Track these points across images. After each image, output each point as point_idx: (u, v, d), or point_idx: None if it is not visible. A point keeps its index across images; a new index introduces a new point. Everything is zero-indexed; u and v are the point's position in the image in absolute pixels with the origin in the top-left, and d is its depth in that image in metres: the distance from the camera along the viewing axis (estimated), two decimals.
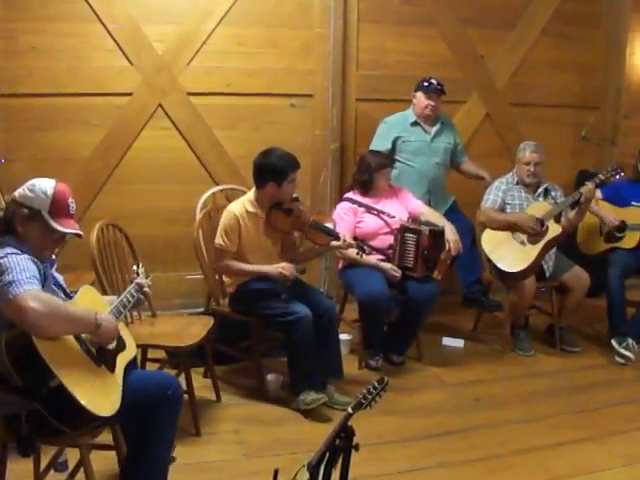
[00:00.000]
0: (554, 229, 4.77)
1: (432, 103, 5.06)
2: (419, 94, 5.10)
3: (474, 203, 5.09)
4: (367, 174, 4.65)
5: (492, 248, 4.86)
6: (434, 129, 5.17)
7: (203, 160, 5.39)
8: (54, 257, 2.80)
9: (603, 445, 3.68)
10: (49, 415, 2.34)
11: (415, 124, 5.16)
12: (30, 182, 2.63)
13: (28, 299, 2.32)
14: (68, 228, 2.65)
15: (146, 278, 3.12)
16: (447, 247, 4.49)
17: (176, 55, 5.21)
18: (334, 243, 4.22)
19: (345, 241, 4.20)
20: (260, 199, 4.15)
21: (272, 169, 4.06)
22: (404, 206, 4.72)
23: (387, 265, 4.47)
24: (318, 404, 3.87)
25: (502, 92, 6.09)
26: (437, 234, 4.52)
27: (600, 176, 4.78)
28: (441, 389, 4.42)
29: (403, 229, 4.51)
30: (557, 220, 4.83)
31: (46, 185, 2.62)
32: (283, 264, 4.07)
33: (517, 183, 4.95)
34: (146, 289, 3.05)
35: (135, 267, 3.18)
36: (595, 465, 3.46)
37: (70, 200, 2.68)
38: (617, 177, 4.78)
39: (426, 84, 5.06)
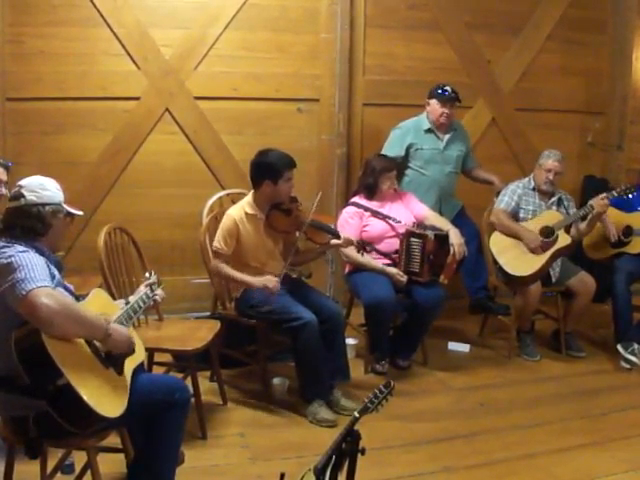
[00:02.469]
0: (564, 239, 4.76)
1: (447, 111, 5.00)
2: (434, 102, 5.03)
3: (482, 208, 5.11)
4: (372, 177, 4.65)
5: (500, 250, 4.86)
6: (447, 137, 5.12)
7: (210, 164, 5.41)
8: (60, 259, 2.82)
9: (607, 450, 3.67)
10: (55, 414, 2.36)
11: (429, 131, 5.11)
12: (34, 184, 2.70)
13: (41, 295, 2.35)
14: (76, 209, 2.83)
15: (158, 286, 3.14)
16: (451, 251, 4.50)
17: (183, 60, 5.23)
18: (334, 241, 4.23)
19: (345, 239, 4.22)
20: (258, 200, 4.17)
21: (268, 167, 4.09)
22: (409, 210, 4.73)
23: (393, 270, 4.47)
24: (326, 425, 3.85)
25: (508, 97, 6.10)
26: (442, 238, 4.52)
27: (613, 192, 4.76)
28: (446, 394, 4.42)
29: (408, 234, 4.51)
30: (567, 230, 4.83)
31: (50, 181, 2.76)
32: (268, 277, 4.01)
33: (533, 189, 4.95)
34: (157, 298, 3.09)
35: (147, 274, 3.19)
36: (599, 471, 3.46)
37: None
38: (630, 196, 4.78)
39: (441, 91, 5.00)
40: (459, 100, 5.05)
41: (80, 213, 2.86)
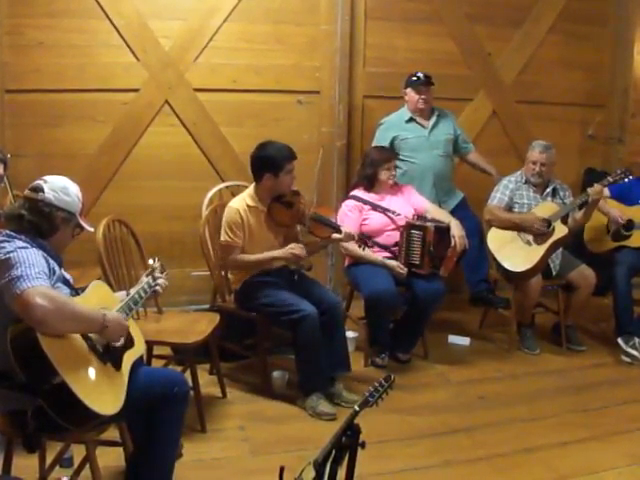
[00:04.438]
0: (560, 230, 4.75)
1: (423, 96, 5.08)
2: (409, 90, 5.14)
3: (483, 200, 5.07)
4: (371, 168, 4.66)
5: (498, 247, 4.85)
6: (430, 122, 5.17)
7: (209, 156, 5.39)
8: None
9: (608, 444, 3.66)
10: (52, 412, 2.34)
11: (410, 120, 5.16)
12: (59, 184, 2.70)
13: (35, 295, 2.32)
14: (89, 225, 2.84)
15: (162, 273, 3.13)
16: (452, 243, 4.49)
17: (183, 51, 5.20)
18: (335, 236, 4.22)
19: (346, 233, 4.21)
20: (260, 193, 4.15)
21: (268, 160, 4.08)
22: (410, 203, 4.71)
23: (393, 263, 4.46)
24: (326, 418, 3.84)
25: (509, 90, 6.07)
26: (443, 230, 4.52)
27: (609, 178, 4.77)
28: (446, 387, 4.41)
29: (409, 226, 4.50)
30: (564, 221, 4.82)
31: (74, 188, 2.75)
32: (292, 244, 4.07)
33: (525, 182, 4.93)
34: (158, 288, 3.07)
35: (151, 261, 3.18)
36: (600, 465, 3.46)
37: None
38: (625, 180, 4.76)
39: (414, 79, 5.10)
40: (432, 83, 5.10)
41: (91, 229, 2.88)
